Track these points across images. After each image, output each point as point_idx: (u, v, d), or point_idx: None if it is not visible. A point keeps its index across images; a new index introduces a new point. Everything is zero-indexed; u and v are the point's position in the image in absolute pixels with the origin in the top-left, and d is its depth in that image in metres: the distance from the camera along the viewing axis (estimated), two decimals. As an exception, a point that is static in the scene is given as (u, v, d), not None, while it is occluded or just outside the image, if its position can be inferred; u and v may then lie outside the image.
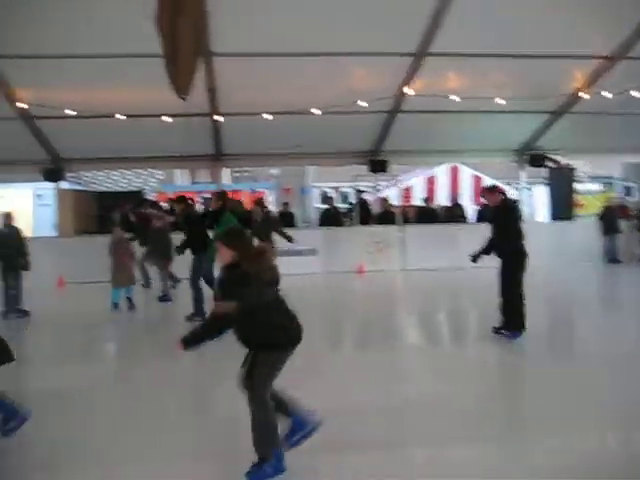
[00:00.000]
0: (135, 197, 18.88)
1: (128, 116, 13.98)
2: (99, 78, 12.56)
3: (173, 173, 31.75)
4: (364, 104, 13.75)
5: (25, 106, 13.56)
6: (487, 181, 22.88)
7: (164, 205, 18.41)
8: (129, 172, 32.01)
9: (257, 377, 4.35)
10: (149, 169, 30.75)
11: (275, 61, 12.51)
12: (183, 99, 9.30)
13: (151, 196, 23.48)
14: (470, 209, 19.97)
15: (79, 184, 28.37)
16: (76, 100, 13.26)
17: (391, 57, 12.73)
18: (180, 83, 8.99)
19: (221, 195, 10.29)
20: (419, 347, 8.91)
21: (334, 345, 9.27)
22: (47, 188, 18.66)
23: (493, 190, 8.72)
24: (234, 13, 10.84)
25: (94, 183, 31.61)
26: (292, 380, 5.75)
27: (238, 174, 32.69)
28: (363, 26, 11.60)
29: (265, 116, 14.11)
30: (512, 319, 8.23)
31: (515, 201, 9.79)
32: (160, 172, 32.12)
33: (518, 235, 8.30)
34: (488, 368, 7.60)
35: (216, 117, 14.52)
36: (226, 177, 27.08)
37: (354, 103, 13.65)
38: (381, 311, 11.22)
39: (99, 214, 18.07)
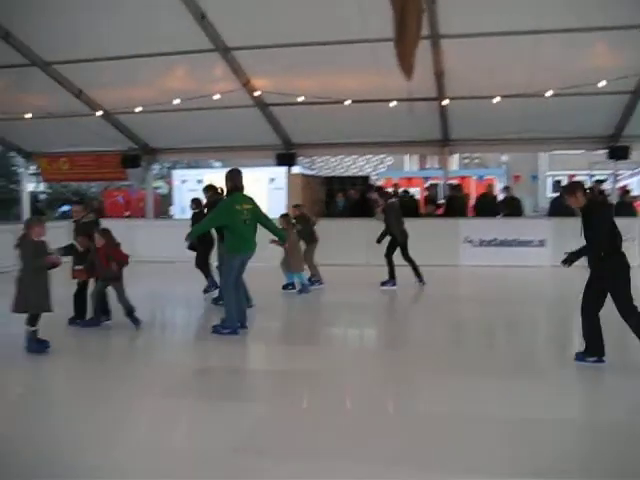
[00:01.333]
0: (361, 182, 19.17)
1: (356, 101, 14.15)
2: (328, 65, 12.87)
3: (402, 159, 31.91)
4: (603, 84, 12.65)
5: (260, 94, 14.28)
6: None
7: (390, 190, 18.45)
8: (361, 158, 32.67)
9: None
10: (379, 155, 31.15)
11: (505, 40, 11.89)
12: (408, 80, 9.17)
13: (378, 182, 23.74)
14: None
15: (312, 169, 29.52)
16: (306, 87, 13.69)
17: (636, 30, 11.52)
18: (406, 63, 8.87)
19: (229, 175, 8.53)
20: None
21: (557, 346, 8.58)
22: (280, 172, 19.61)
23: (573, 189, 6.81)
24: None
25: (327, 168, 32.69)
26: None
27: (467, 160, 32.02)
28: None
29: (494, 100, 13.56)
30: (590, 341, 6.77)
31: (604, 200, 7.14)
32: (390, 158, 32.41)
33: (609, 242, 6.57)
34: None
35: (443, 102, 14.22)
36: (454, 163, 26.65)
37: (592, 85, 12.61)
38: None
39: (326, 198, 18.61)
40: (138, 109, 14.83)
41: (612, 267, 6.58)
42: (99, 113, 15.47)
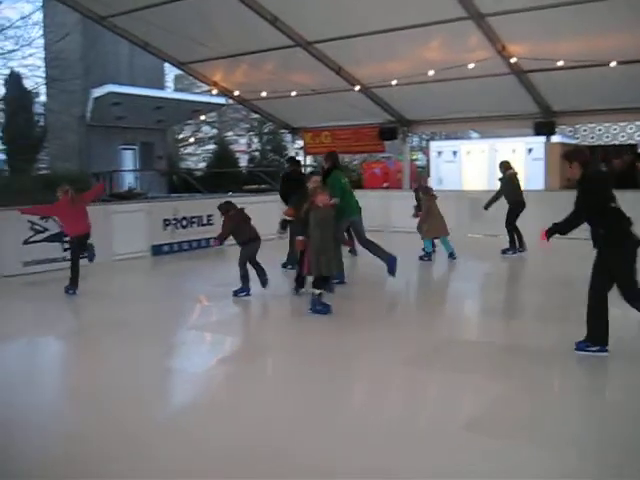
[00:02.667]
0: (627, 150, 17.80)
1: (622, 62, 13.12)
2: (589, 24, 12.07)
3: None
4: None
5: (516, 60, 13.81)
6: None
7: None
8: (630, 125, 30.19)
9: None
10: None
11: None
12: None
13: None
14: None
15: (575, 138, 27.94)
16: (566, 50, 12.96)
17: None
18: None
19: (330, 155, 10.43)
20: None
21: None
22: (538, 142, 18.86)
23: (572, 157, 6.21)
24: None
25: (592, 137, 30.69)
26: None
27: None
28: None
29: None
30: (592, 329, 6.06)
31: (600, 172, 6.95)
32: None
33: (603, 214, 6.09)
34: None
35: None
36: None
37: None
38: None
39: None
40: (394, 82, 15.13)
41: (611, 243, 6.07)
42: (357, 88, 16.06)
